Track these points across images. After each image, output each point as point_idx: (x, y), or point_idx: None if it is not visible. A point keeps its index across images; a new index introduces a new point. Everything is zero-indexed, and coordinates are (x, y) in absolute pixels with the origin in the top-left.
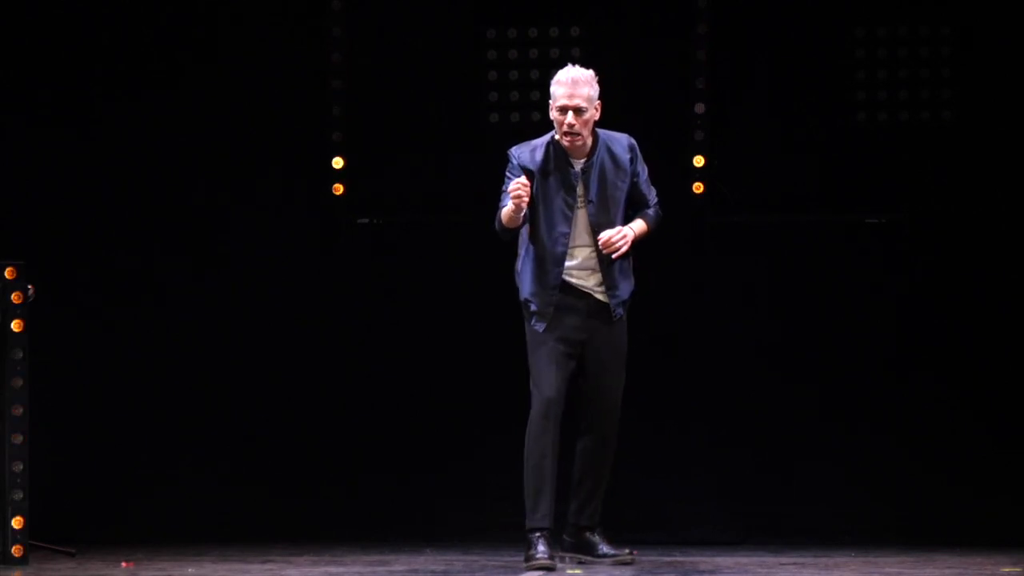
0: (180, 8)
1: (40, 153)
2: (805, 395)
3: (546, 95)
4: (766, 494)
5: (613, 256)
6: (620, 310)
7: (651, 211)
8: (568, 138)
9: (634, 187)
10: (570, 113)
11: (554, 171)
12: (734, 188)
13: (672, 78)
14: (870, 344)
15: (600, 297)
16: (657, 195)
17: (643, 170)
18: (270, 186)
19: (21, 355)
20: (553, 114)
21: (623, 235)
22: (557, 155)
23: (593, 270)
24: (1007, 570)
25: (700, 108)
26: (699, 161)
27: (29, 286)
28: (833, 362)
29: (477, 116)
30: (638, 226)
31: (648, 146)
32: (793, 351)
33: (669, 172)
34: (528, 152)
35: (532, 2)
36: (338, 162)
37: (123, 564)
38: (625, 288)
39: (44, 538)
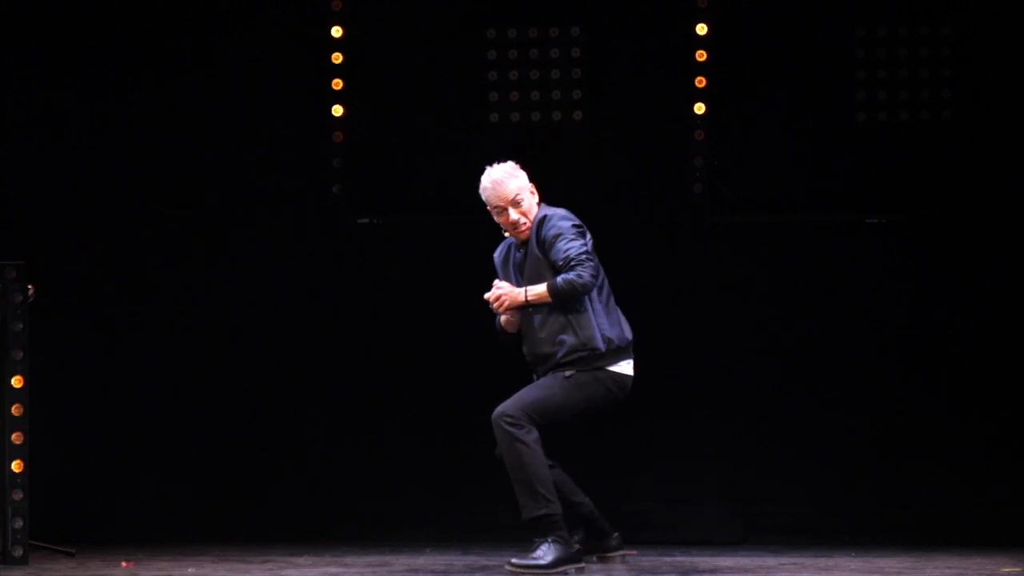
0: (180, 9)
1: (40, 153)
2: (805, 395)
3: (546, 95)
4: (766, 494)
5: (498, 312)
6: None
7: (559, 277)
8: (516, 232)
9: (548, 254)
10: (510, 210)
11: (511, 263)
12: (734, 188)
13: (672, 78)
14: (870, 344)
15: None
16: (577, 255)
17: (548, 233)
18: (270, 186)
19: (21, 355)
20: (496, 220)
21: (497, 296)
22: (513, 246)
23: (530, 348)
24: (1007, 570)
25: (700, 108)
26: (699, 161)
27: (29, 286)
28: (833, 362)
29: (477, 116)
30: (534, 289)
31: (648, 146)
32: (793, 351)
33: (669, 172)
34: (498, 252)
35: (532, 2)
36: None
37: (123, 564)
38: (555, 355)
39: (44, 538)
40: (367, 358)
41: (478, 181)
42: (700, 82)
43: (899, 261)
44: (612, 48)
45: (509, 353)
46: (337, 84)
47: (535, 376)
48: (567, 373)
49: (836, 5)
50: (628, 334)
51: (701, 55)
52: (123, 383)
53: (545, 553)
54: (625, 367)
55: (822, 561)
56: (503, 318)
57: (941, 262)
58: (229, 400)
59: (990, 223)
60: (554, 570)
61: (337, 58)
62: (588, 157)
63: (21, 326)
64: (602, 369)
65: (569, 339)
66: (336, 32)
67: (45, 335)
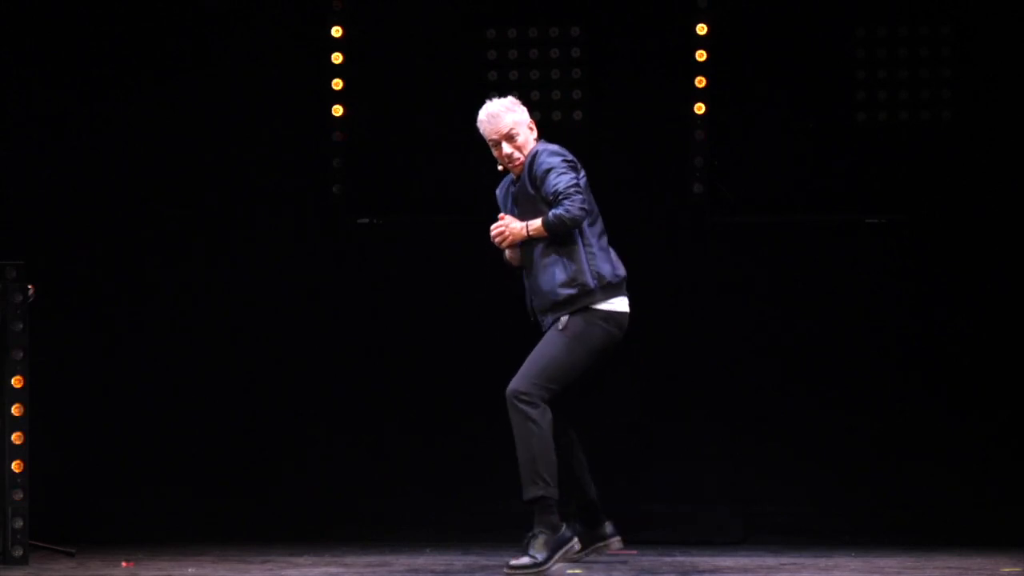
0: (180, 10)
1: (40, 153)
2: (805, 395)
3: (546, 95)
4: (766, 494)
5: (500, 247)
6: (546, 319)
7: (550, 212)
8: (511, 166)
9: (540, 190)
10: (503, 144)
11: (509, 198)
12: (734, 188)
13: (672, 78)
14: (870, 344)
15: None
16: (565, 188)
17: (539, 169)
18: (270, 186)
19: (21, 355)
20: (493, 153)
21: (499, 232)
22: (511, 180)
23: (531, 284)
24: (1007, 570)
25: (700, 108)
26: (699, 161)
27: (29, 286)
28: (833, 362)
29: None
30: (534, 224)
31: (648, 146)
32: (793, 351)
33: (669, 172)
34: (500, 187)
35: (532, 2)
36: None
37: (123, 564)
38: (549, 293)
39: (44, 538)
40: (367, 358)
41: (478, 181)
42: (700, 82)
43: (899, 261)
44: (612, 48)
45: (514, 277)
46: (337, 84)
47: (532, 319)
48: (561, 324)
49: (836, 5)
50: (620, 271)
51: (701, 55)
52: (123, 383)
53: (538, 550)
54: (618, 304)
55: (822, 561)
56: (507, 253)
57: (941, 262)
58: (229, 400)
59: (990, 223)
60: (548, 564)
61: (337, 58)
62: (588, 157)
63: (21, 326)
64: (592, 309)
65: (561, 275)
66: (336, 32)
67: (45, 335)
